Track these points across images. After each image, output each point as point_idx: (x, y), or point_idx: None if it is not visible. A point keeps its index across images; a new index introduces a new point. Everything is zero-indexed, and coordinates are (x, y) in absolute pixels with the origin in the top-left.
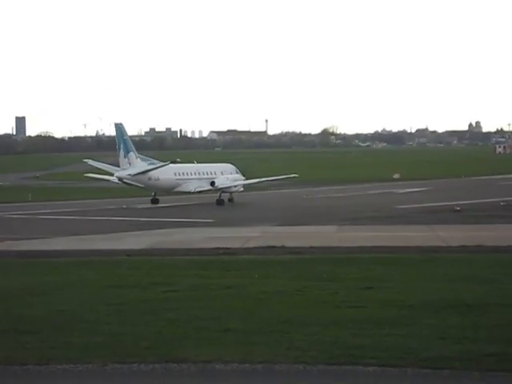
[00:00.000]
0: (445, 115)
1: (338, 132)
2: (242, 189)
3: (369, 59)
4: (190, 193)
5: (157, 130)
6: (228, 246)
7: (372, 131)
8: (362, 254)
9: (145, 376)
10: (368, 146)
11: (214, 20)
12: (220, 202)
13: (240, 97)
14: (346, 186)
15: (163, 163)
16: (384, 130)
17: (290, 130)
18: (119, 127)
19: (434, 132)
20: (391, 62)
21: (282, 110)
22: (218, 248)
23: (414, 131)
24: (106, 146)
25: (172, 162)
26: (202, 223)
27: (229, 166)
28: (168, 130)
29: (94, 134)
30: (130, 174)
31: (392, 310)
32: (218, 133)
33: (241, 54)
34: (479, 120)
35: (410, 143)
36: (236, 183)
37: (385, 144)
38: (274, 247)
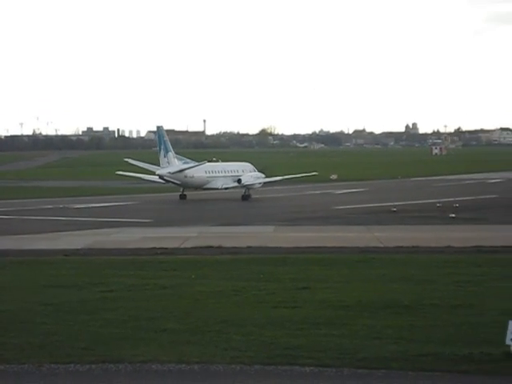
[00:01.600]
0: (382, 116)
1: (276, 132)
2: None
3: (306, 60)
4: (217, 189)
5: (94, 129)
6: (165, 246)
7: (310, 132)
8: (299, 255)
9: (81, 376)
10: (306, 146)
11: (153, 18)
12: (245, 198)
13: (178, 97)
14: (284, 186)
15: (199, 162)
16: (321, 130)
17: (228, 130)
18: (160, 130)
19: (372, 133)
20: (329, 63)
21: (220, 110)
22: (155, 248)
23: (351, 132)
24: (43, 145)
25: (209, 161)
26: (140, 223)
27: (248, 165)
28: (105, 129)
29: (30, 133)
30: (169, 172)
31: (329, 311)
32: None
33: (178, 54)
34: (416, 121)
35: (348, 144)
36: (259, 181)
37: (322, 145)
38: (211, 247)
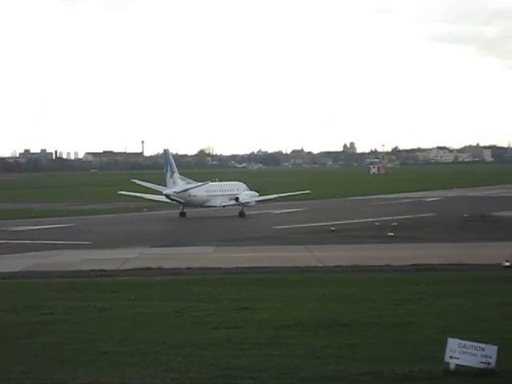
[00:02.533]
0: (320, 136)
1: (215, 153)
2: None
3: (243, 80)
4: (216, 207)
5: (31, 151)
6: (104, 268)
7: (248, 152)
8: (239, 275)
9: None
10: (244, 167)
11: (84, 38)
12: (242, 215)
13: (116, 118)
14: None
15: (202, 183)
16: (260, 150)
17: None
18: (166, 152)
19: (310, 153)
20: (266, 83)
21: (158, 130)
22: (94, 270)
23: (289, 152)
24: None
25: (212, 181)
26: (80, 245)
27: (241, 184)
28: (43, 151)
29: None
30: (175, 192)
31: (269, 330)
32: (94, 154)
33: (115, 74)
34: (354, 141)
35: (286, 164)
36: (254, 199)
37: (261, 165)
38: (150, 269)
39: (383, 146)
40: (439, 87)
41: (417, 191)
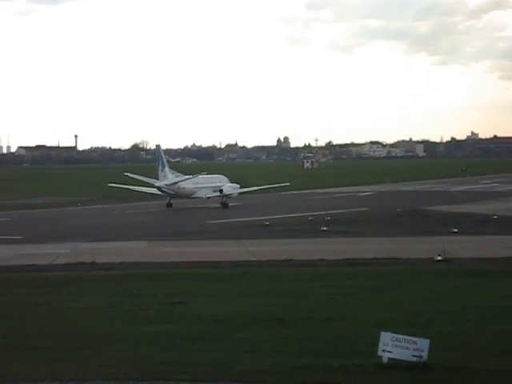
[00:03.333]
0: (254, 131)
1: (148, 147)
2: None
3: (177, 74)
4: (201, 198)
5: None
6: (37, 263)
7: (182, 147)
8: (173, 270)
9: None
10: (178, 161)
11: (18, 29)
12: (225, 206)
13: (49, 112)
14: (158, 201)
15: (192, 176)
16: (194, 145)
17: (100, 145)
18: (158, 148)
19: (244, 147)
20: (199, 77)
21: (92, 125)
22: (27, 265)
23: (223, 146)
24: None
25: (200, 174)
26: (11, 240)
27: (223, 177)
28: None
29: None
30: (166, 184)
31: (203, 325)
32: (27, 148)
33: (48, 68)
34: (287, 135)
35: (220, 158)
36: (236, 191)
37: (195, 159)
38: (84, 263)
39: (317, 140)
40: (372, 82)
41: (350, 186)
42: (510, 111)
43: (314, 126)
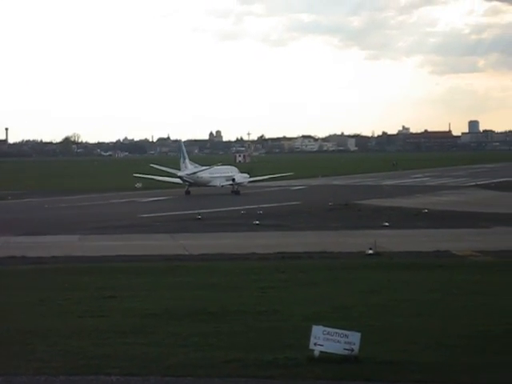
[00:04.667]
0: (186, 124)
1: (80, 141)
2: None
3: (109, 68)
4: (216, 187)
5: None
6: None
7: (114, 140)
8: (105, 264)
9: None
10: (110, 155)
11: None
12: (236, 193)
13: None
14: (89, 195)
15: (208, 166)
16: (126, 138)
17: (32, 138)
18: (180, 142)
19: (176, 141)
20: (132, 71)
21: (23, 118)
22: None
23: (155, 140)
24: None
25: (216, 165)
26: None
27: (235, 168)
28: None
29: None
30: (187, 174)
31: (135, 319)
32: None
33: None
34: (220, 129)
35: (152, 152)
36: (246, 180)
37: (127, 153)
38: (14, 257)
39: (249, 134)
40: (304, 77)
41: (282, 180)
42: (440, 106)
43: (246, 119)
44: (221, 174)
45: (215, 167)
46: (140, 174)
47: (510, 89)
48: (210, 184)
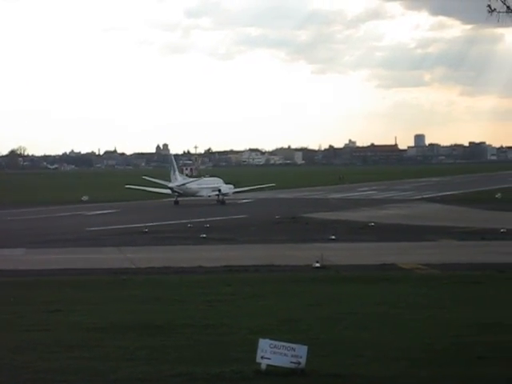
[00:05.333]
0: (133, 137)
1: (26, 154)
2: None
3: (53, 79)
4: (202, 196)
5: None
6: None
7: (60, 153)
8: (51, 277)
9: None
10: (56, 168)
11: None
12: (222, 202)
13: None
14: (36, 208)
15: (196, 178)
16: (72, 151)
17: None
18: (171, 155)
19: (123, 154)
20: (75, 81)
21: None
22: None
23: (102, 153)
24: None
25: (204, 177)
26: None
27: (220, 179)
28: None
29: None
30: (177, 185)
31: (81, 333)
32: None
33: None
34: (167, 142)
35: (99, 165)
36: (231, 191)
37: (73, 166)
38: None
39: (196, 147)
40: (252, 90)
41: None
42: (387, 120)
43: (193, 133)
44: (208, 185)
45: (203, 179)
46: (131, 185)
47: (455, 103)
48: (198, 194)
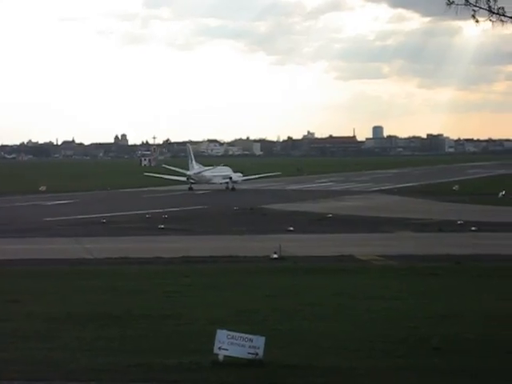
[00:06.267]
0: (91, 127)
1: None
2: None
3: (12, 69)
4: (215, 183)
5: None
6: None
7: (18, 143)
8: (8, 267)
9: None
10: (14, 158)
11: None
12: (233, 189)
13: None
14: None
15: (211, 167)
16: (30, 141)
17: None
18: (188, 145)
19: (81, 144)
20: (34, 70)
21: None
22: None
23: (60, 143)
24: None
25: (219, 166)
26: None
27: (228, 168)
28: None
29: None
30: (194, 173)
31: (39, 323)
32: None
33: None
34: (125, 133)
35: (57, 155)
36: (240, 179)
37: (31, 156)
38: None
39: (155, 138)
40: (210, 81)
41: (187, 184)
42: (345, 111)
43: (152, 123)
44: (220, 173)
45: (217, 167)
46: (150, 173)
47: (413, 95)
48: (211, 182)
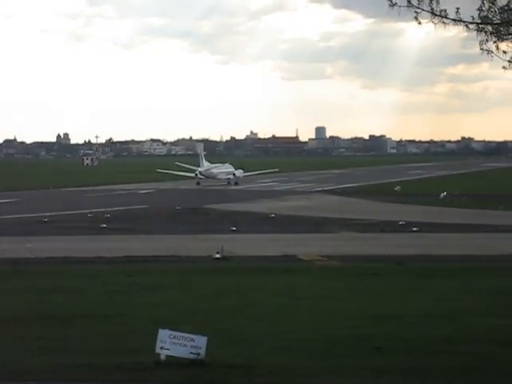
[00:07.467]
0: (33, 126)
1: None
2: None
3: None
4: (220, 179)
5: None
6: None
7: None
8: None
9: None
10: None
11: None
12: (236, 183)
13: None
14: None
15: (219, 164)
16: None
17: None
18: (199, 144)
19: (23, 143)
20: None
21: None
22: None
23: (1, 141)
24: None
25: (226, 163)
26: None
27: (230, 165)
28: None
29: None
30: (204, 170)
31: None
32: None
33: None
34: (67, 132)
35: None
36: (242, 174)
37: None
38: None
39: (97, 137)
40: (154, 80)
41: (130, 183)
42: (288, 112)
43: (94, 122)
44: (225, 169)
45: (222, 165)
46: (162, 169)
47: (356, 96)
48: (217, 177)
